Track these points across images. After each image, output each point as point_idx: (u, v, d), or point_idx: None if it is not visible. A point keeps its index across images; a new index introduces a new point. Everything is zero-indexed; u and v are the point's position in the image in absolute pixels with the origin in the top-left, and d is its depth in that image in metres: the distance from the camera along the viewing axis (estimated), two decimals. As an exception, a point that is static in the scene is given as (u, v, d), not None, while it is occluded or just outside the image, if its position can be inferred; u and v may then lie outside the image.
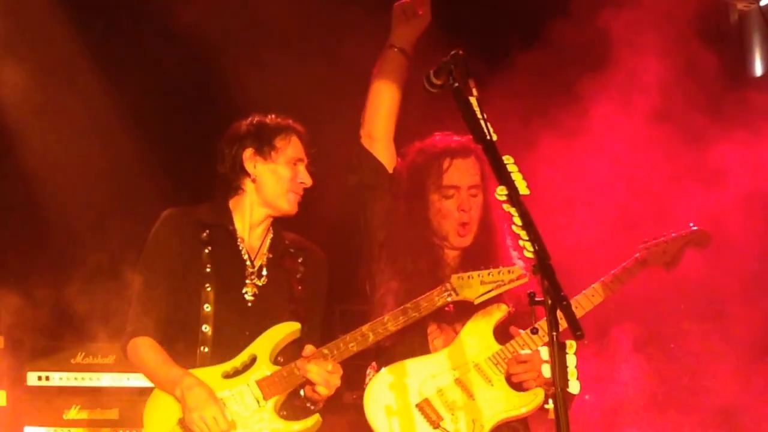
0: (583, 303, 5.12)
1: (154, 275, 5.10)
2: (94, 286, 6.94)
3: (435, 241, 5.27)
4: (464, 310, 5.08)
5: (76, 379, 7.03)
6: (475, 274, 4.90)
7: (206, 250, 5.13)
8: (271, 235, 5.25)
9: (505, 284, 4.90)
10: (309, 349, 4.92)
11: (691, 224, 5.39)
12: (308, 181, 5.18)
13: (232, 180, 5.19)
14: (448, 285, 4.91)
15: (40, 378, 6.99)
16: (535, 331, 4.67)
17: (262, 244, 5.21)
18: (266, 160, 5.15)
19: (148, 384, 6.32)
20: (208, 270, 5.09)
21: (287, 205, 5.17)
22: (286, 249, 5.24)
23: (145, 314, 5.04)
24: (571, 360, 3.85)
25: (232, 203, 5.22)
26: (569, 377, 3.77)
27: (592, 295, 5.15)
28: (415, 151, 5.32)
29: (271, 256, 5.20)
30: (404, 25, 5.34)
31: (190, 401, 4.85)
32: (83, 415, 6.99)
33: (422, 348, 5.18)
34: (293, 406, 5.01)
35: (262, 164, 5.16)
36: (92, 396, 6.99)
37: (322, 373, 4.86)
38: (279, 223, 5.29)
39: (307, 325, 5.11)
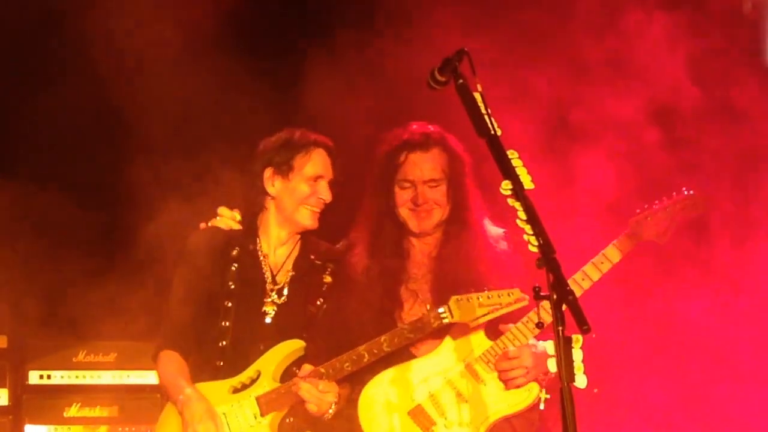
0: (573, 287, 5.05)
1: (183, 291, 5.27)
2: (98, 284, 6.97)
3: (398, 234, 5.34)
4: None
5: (77, 377, 7.02)
6: (474, 296, 4.94)
7: (233, 267, 5.25)
8: (297, 252, 5.29)
9: (503, 307, 4.93)
10: (306, 368, 5.02)
11: (684, 189, 5.19)
12: (327, 197, 5.24)
13: (256, 198, 5.29)
14: (445, 308, 4.96)
15: (41, 377, 7.00)
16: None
17: (285, 262, 5.27)
18: (284, 178, 5.23)
19: (149, 382, 6.39)
20: (231, 287, 5.22)
21: (304, 219, 5.23)
22: (311, 264, 5.30)
23: (174, 328, 5.23)
24: (577, 354, 3.84)
25: (259, 220, 5.33)
26: (576, 372, 3.74)
27: (582, 278, 5.07)
28: (383, 142, 5.39)
29: (293, 273, 5.26)
30: None
31: (187, 415, 4.99)
32: (84, 412, 6.99)
33: (407, 356, 5.18)
34: (286, 421, 5.12)
35: (281, 183, 5.24)
36: (93, 394, 6.99)
37: (313, 392, 4.94)
38: (310, 235, 5.34)
39: (331, 339, 5.15)
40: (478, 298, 4.92)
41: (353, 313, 5.19)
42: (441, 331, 5.14)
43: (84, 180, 7.16)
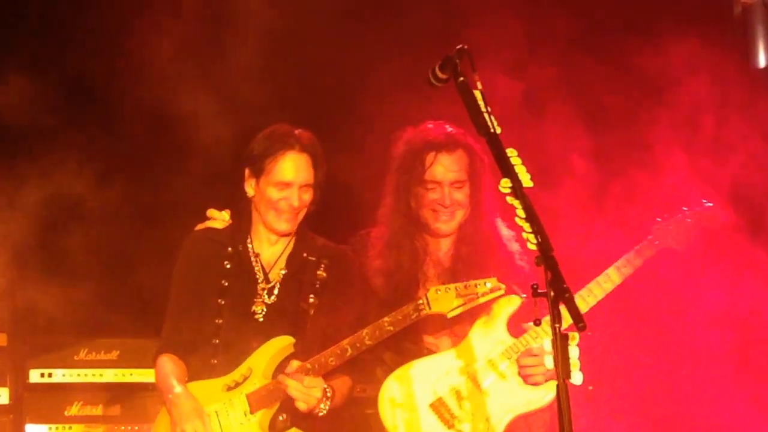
0: (595, 291, 5.14)
1: (180, 293, 5.32)
2: (100, 280, 6.99)
3: (416, 234, 5.36)
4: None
5: (78, 375, 7.01)
6: (452, 286, 4.98)
7: (226, 265, 5.27)
8: (290, 249, 5.31)
9: (479, 297, 4.98)
10: (293, 364, 5.04)
11: (704, 201, 5.37)
12: (296, 203, 5.17)
13: (244, 201, 5.34)
14: (423, 299, 4.99)
15: (42, 375, 6.97)
16: (538, 323, 4.69)
17: (279, 260, 5.30)
18: (257, 181, 5.22)
19: (151, 380, 6.39)
20: (224, 284, 5.25)
21: (275, 224, 5.24)
22: (305, 261, 5.29)
23: (174, 330, 5.28)
24: (573, 351, 3.86)
25: (252, 218, 5.35)
26: (572, 368, 3.77)
27: (605, 281, 5.17)
28: (403, 141, 5.40)
29: (286, 271, 5.28)
30: None
31: (175, 415, 5.03)
32: (85, 411, 6.98)
33: (420, 354, 5.20)
34: (279, 418, 5.14)
35: (255, 185, 5.24)
36: (95, 392, 6.97)
37: (299, 388, 4.97)
38: (306, 231, 5.35)
39: (327, 335, 5.17)
40: (455, 289, 4.95)
41: (356, 311, 5.21)
42: (462, 326, 5.20)
43: (87, 176, 7.15)
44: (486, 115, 4.06)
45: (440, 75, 4.22)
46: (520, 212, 3.95)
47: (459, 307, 4.95)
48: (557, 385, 3.76)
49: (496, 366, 5.12)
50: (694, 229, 5.32)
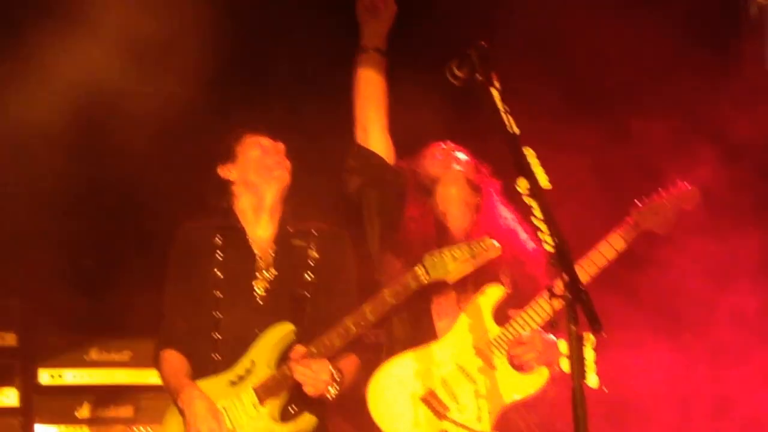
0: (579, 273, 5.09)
1: (175, 288, 5.29)
2: (112, 278, 6.99)
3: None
4: (464, 284, 5.15)
5: (89, 376, 7.01)
6: (445, 250, 4.96)
7: (218, 256, 5.25)
8: (276, 228, 5.33)
9: (476, 258, 4.95)
10: (297, 350, 5.01)
11: (679, 181, 5.31)
12: (279, 144, 5.30)
13: (224, 196, 5.36)
14: (420, 266, 4.96)
15: (52, 376, 6.97)
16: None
17: (267, 242, 5.30)
18: (234, 161, 5.33)
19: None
20: (219, 275, 5.21)
21: (276, 179, 5.28)
22: (292, 244, 5.29)
23: (172, 325, 5.25)
24: (589, 353, 3.83)
25: (236, 208, 5.37)
26: (587, 371, 3.74)
27: (589, 265, 5.13)
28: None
29: (277, 248, 5.28)
30: (371, 24, 5.45)
31: (188, 416, 5.00)
32: (96, 413, 6.98)
33: (429, 333, 5.21)
34: (289, 409, 5.11)
35: (234, 166, 5.33)
36: (106, 393, 6.97)
37: (307, 373, 4.95)
38: (289, 214, 5.36)
39: (327, 315, 5.14)
40: (450, 252, 4.93)
41: (354, 292, 5.27)
42: (450, 318, 5.19)
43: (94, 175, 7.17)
44: (504, 115, 4.02)
45: (458, 73, 4.18)
46: (537, 213, 3.91)
47: (458, 270, 4.92)
48: (573, 388, 3.72)
49: (485, 355, 5.11)
50: (674, 212, 5.26)
